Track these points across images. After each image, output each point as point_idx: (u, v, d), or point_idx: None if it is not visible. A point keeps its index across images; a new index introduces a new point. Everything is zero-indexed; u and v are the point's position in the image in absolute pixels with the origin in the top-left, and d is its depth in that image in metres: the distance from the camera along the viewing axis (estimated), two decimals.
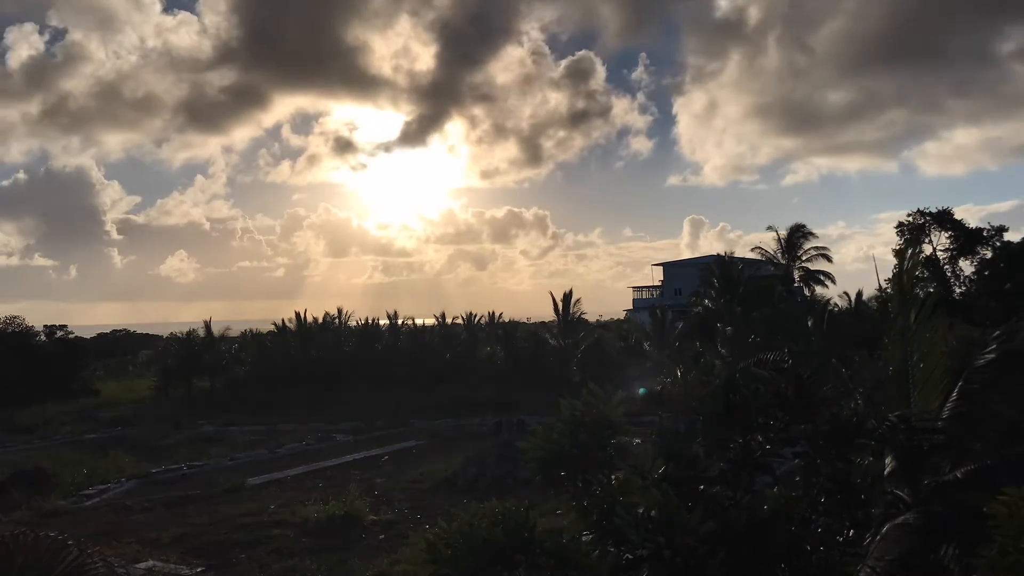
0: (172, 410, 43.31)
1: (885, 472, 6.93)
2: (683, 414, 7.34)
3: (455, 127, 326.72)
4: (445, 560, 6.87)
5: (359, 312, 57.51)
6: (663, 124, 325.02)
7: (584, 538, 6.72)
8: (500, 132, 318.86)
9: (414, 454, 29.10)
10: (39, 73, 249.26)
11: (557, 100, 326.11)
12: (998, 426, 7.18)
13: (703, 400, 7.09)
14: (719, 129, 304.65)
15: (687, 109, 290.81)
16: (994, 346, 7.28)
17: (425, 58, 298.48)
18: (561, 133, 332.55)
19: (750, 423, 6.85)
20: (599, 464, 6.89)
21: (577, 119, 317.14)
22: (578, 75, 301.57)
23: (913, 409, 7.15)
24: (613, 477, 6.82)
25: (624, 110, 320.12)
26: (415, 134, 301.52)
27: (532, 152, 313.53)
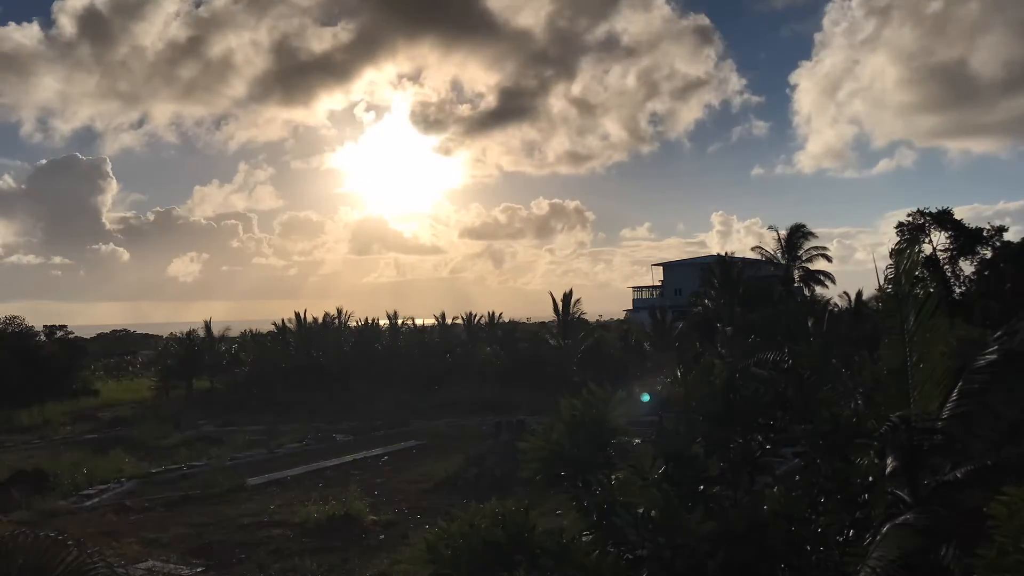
0: (172, 410, 43.30)
1: (885, 472, 6.93)
2: (683, 414, 7.33)
3: (528, 108, 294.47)
4: (445, 560, 6.87)
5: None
6: (773, 104, 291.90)
7: (584, 538, 6.72)
8: (586, 111, 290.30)
9: (414, 454, 29.09)
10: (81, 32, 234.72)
11: (651, 72, 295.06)
12: (998, 426, 7.17)
13: (703, 400, 7.10)
14: (834, 109, 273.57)
15: (804, 83, 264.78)
16: (994, 346, 7.29)
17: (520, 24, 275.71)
18: (653, 112, 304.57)
19: (750, 423, 6.86)
20: (599, 464, 6.89)
21: (675, 95, 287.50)
22: (684, 39, 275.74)
23: (913, 409, 7.16)
24: (613, 477, 6.82)
25: (733, 88, 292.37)
26: (479, 120, 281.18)
27: (618, 135, 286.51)
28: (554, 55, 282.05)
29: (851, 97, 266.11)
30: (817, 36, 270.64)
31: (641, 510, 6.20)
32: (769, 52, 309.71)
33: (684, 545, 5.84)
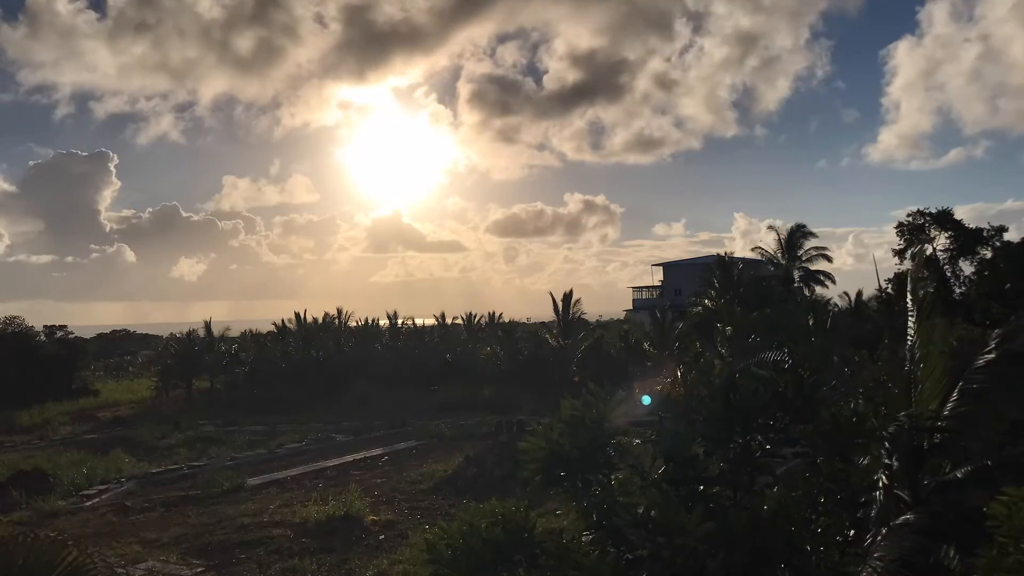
0: (172, 410, 43.29)
1: (886, 472, 6.93)
2: (683, 414, 7.33)
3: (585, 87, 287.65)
4: (445, 560, 6.87)
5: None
6: (859, 90, 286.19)
7: (584, 538, 6.72)
8: (668, 89, 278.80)
9: (414, 454, 29.08)
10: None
11: (745, 46, 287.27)
12: (998, 426, 7.18)
13: (703, 400, 7.09)
14: (922, 94, 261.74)
15: (900, 63, 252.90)
16: (994, 346, 7.29)
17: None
18: (737, 93, 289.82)
19: (750, 423, 6.85)
20: (599, 464, 6.89)
21: (761, 75, 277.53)
22: (783, 14, 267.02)
23: (913, 409, 7.16)
24: (613, 477, 6.82)
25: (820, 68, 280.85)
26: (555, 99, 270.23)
27: (696, 118, 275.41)
28: (653, 20, 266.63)
29: (942, 81, 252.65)
30: (920, 11, 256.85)
31: (641, 510, 6.20)
32: (867, 28, 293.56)
33: (684, 545, 5.83)
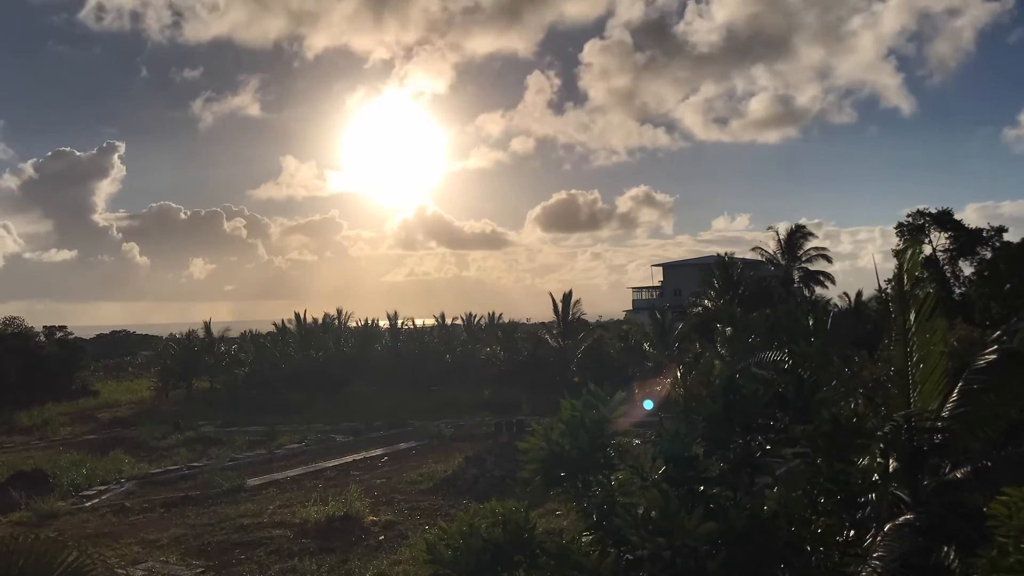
0: (172, 410, 43.28)
1: (886, 472, 6.93)
2: (683, 415, 7.33)
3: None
4: (445, 560, 6.87)
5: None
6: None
7: (584, 538, 6.72)
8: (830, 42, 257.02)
9: (414, 454, 29.08)
10: None
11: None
12: (998, 426, 7.18)
13: (703, 401, 7.09)
14: None
15: None
16: (994, 346, 7.30)
17: None
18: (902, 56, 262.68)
19: (750, 423, 6.85)
20: (599, 464, 6.88)
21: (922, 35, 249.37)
22: None
23: (913, 409, 7.16)
24: (613, 478, 6.81)
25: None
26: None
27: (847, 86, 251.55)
28: None
29: None
30: None
31: (641, 510, 6.19)
32: None
33: (684, 545, 5.83)
